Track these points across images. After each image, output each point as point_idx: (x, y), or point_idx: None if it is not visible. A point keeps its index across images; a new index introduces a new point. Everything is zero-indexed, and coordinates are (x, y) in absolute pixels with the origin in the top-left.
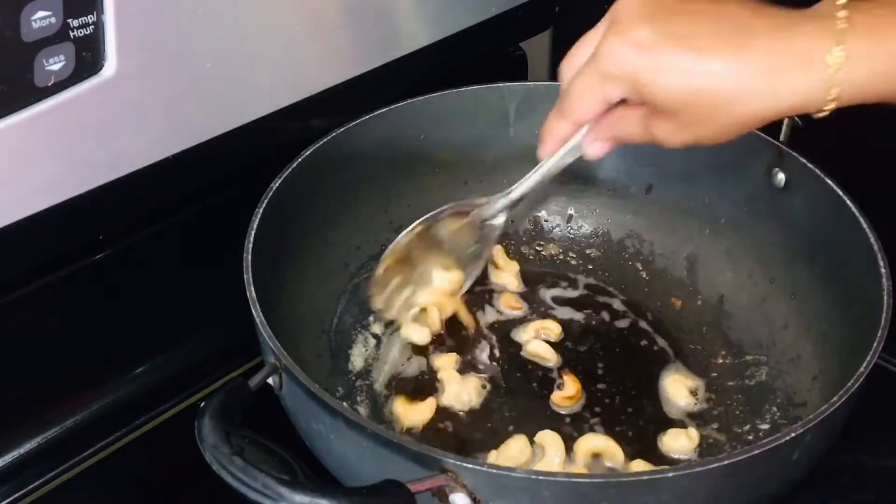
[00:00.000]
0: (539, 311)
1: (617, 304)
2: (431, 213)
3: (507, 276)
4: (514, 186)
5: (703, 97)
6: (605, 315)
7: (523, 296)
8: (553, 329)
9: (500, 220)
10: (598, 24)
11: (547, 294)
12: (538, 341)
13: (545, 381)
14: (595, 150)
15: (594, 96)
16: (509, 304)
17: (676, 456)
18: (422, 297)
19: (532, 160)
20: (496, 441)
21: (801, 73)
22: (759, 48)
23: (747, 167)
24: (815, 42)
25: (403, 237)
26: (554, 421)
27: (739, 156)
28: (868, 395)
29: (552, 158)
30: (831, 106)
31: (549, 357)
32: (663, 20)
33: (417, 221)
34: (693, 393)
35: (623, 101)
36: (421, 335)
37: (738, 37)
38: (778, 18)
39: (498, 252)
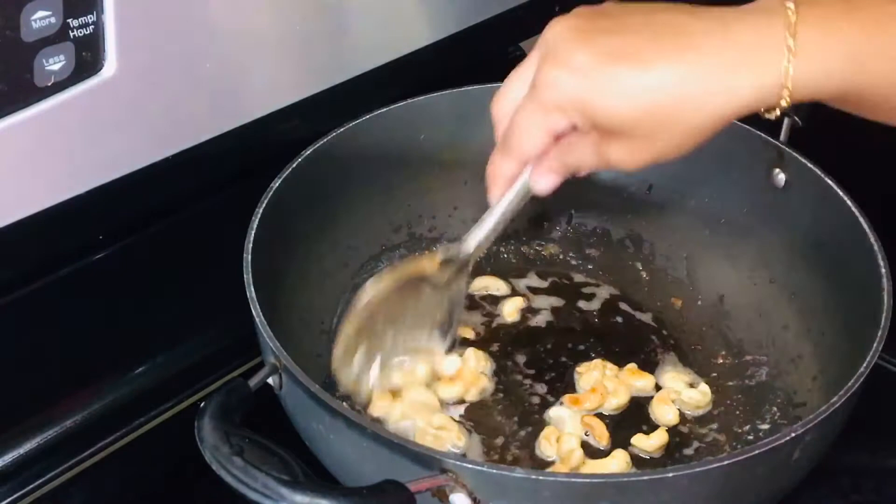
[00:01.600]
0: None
1: (616, 305)
2: (373, 284)
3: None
4: (467, 236)
5: (656, 110)
6: (605, 316)
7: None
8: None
9: (462, 280)
10: (527, 57)
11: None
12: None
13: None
14: (545, 184)
15: (539, 130)
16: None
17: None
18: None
19: None
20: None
21: (750, 68)
22: (702, 49)
23: (747, 167)
24: (762, 36)
25: (355, 313)
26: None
27: (739, 156)
28: (868, 395)
29: (503, 202)
30: (785, 102)
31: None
32: (598, 41)
33: (366, 292)
34: (692, 386)
35: (570, 130)
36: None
37: (678, 41)
38: (717, 18)
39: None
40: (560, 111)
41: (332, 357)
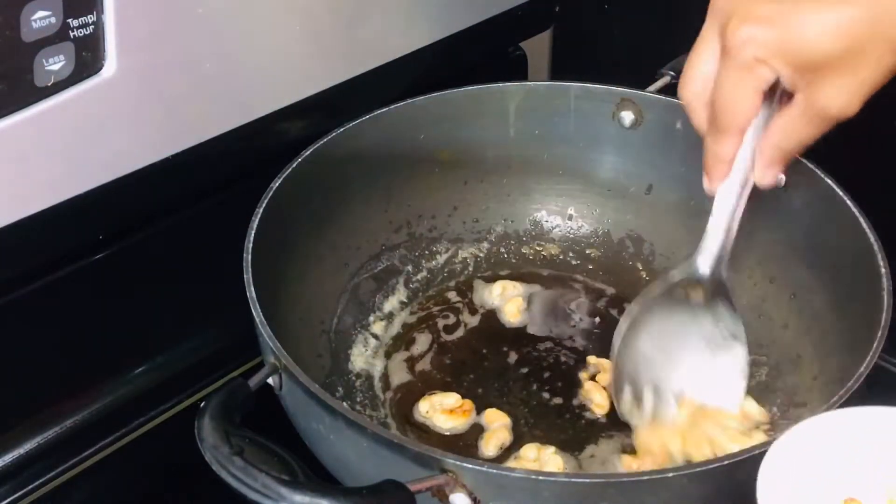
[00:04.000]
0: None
1: (617, 305)
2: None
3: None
4: (698, 253)
5: (855, 31)
6: (605, 316)
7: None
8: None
9: (719, 304)
10: (700, 35)
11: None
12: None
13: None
14: (769, 176)
15: (747, 92)
16: None
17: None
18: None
19: (531, 160)
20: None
21: None
22: None
23: None
24: None
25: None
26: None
27: None
28: (868, 395)
29: (727, 190)
30: None
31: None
32: None
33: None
34: None
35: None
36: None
37: None
38: None
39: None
40: (763, 64)
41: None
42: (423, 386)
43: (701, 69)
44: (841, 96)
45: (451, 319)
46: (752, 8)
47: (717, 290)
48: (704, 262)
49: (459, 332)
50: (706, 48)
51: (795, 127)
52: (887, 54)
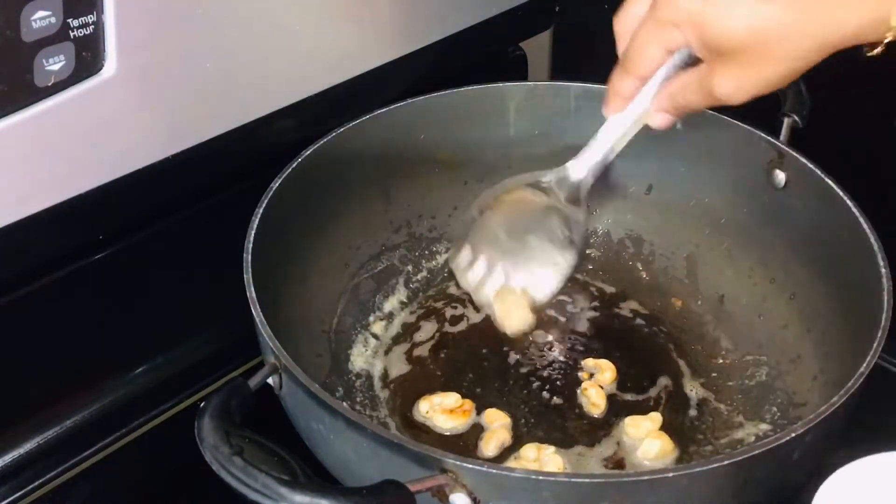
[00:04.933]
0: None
1: (616, 305)
2: (488, 193)
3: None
4: (576, 159)
5: (765, 33)
6: (605, 316)
7: None
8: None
9: (579, 209)
10: None
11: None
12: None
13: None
14: (659, 120)
15: (657, 46)
16: None
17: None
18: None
19: (531, 161)
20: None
21: (860, 3)
22: None
23: (747, 167)
24: None
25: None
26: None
27: (739, 156)
28: (868, 395)
29: (617, 122)
30: (889, 36)
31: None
32: None
33: (484, 197)
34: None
35: (681, 69)
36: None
37: None
38: None
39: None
40: (677, 28)
41: (451, 258)
42: (423, 385)
43: (636, 8)
44: (730, 85)
45: (451, 318)
46: None
47: (575, 199)
48: (575, 170)
49: (460, 330)
50: None
51: (688, 89)
52: (786, 63)
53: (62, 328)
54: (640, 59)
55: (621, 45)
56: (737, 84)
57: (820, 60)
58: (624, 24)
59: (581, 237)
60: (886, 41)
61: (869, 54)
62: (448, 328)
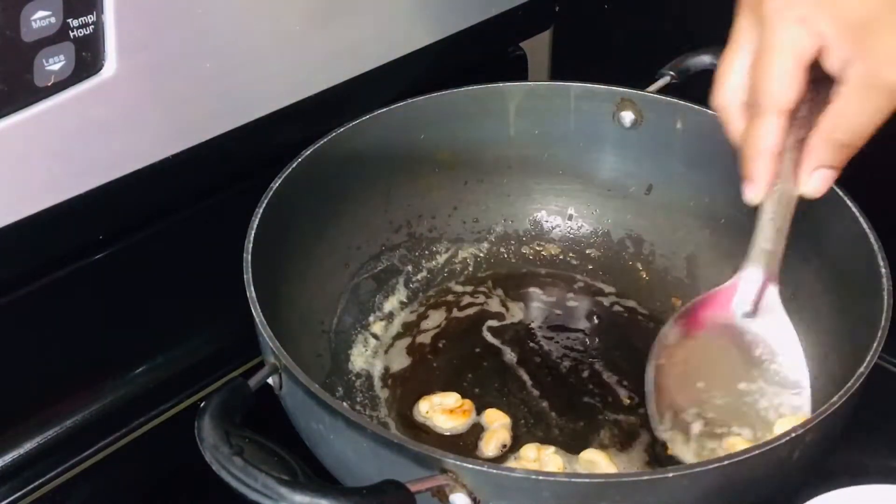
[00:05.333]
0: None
1: (617, 305)
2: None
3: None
4: (750, 252)
5: None
6: (605, 316)
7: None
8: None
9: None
10: (733, 37)
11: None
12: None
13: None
14: (818, 180)
15: (789, 59)
16: None
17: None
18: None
19: (531, 160)
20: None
21: None
22: None
23: None
24: None
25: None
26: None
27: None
28: (868, 395)
29: (778, 194)
30: None
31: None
32: None
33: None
34: None
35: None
36: None
37: None
38: None
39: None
40: (802, 23)
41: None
42: (423, 385)
43: (735, 69)
44: (893, 56)
45: (451, 318)
46: None
47: (763, 309)
48: (755, 274)
49: (461, 330)
50: (740, 45)
51: (852, 108)
52: None
53: (62, 328)
54: (776, 87)
55: (732, 120)
56: (893, 50)
57: None
58: (727, 92)
59: (796, 355)
60: None
61: None
62: (448, 328)
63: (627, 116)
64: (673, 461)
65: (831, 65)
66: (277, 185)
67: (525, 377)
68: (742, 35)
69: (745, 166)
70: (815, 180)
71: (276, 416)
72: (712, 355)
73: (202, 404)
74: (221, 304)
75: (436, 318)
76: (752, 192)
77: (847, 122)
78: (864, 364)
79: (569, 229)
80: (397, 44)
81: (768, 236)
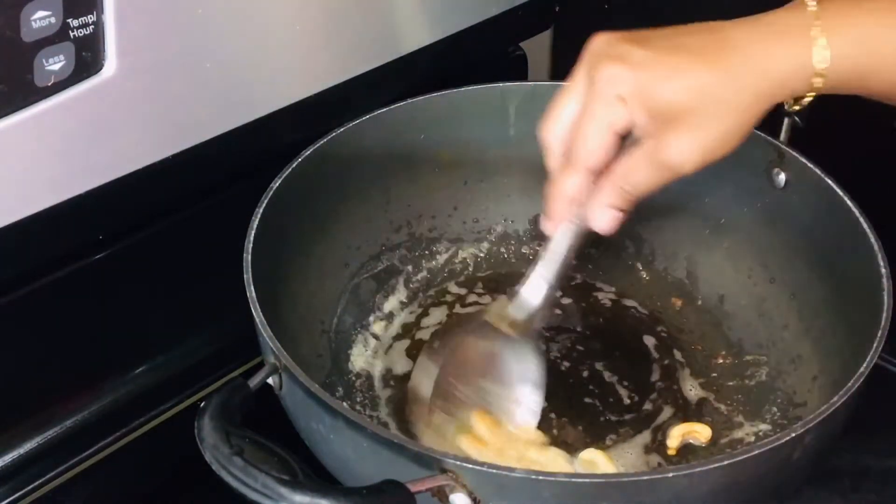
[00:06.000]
0: None
1: (617, 305)
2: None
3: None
4: (523, 286)
5: (708, 91)
6: (605, 316)
7: None
8: (702, 432)
9: (532, 339)
10: (570, 76)
11: None
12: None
13: None
14: (605, 218)
15: (604, 128)
16: None
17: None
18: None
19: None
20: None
21: (784, 49)
22: (738, 40)
23: (747, 167)
24: (793, 23)
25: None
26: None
27: (739, 156)
28: (868, 395)
29: (568, 230)
30: (818, 83)
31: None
32: (650, 42)
33: (432, 349)
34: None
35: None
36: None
37: (718, 35)
38: (749, 18)
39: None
40: (622, 103)
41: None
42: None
43: (565, 111)
44: (683, 149)
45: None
46: (627, 52)
47: (527, 328)
48: (530, 296)
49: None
50: (571, 94)
51: (636, 169)
52: (731, 118)
53: (62, 328)
54: (588, 148)
55: (552, 156)
56: (689, 147)
57: (764, 111)
58: (552, 131)
59: (540, 370)
60: (813, 93)
61: (789, 108)
62: (448, 328)
63: None
64: (673, 461)
65: (635, 131)
66: (277, 185)
67: None
68: (576, 86)
69: (549, 206)
70: (603, 216)
71: (276, 416)
72: (476, 356)
73: (202, 404)
74: (221, 304)
75: (436, 318)
76: (549, 227)
77: (633, 177)
78: (864, 364)
79: None
80: (397, 44)
81: (549, 267)
